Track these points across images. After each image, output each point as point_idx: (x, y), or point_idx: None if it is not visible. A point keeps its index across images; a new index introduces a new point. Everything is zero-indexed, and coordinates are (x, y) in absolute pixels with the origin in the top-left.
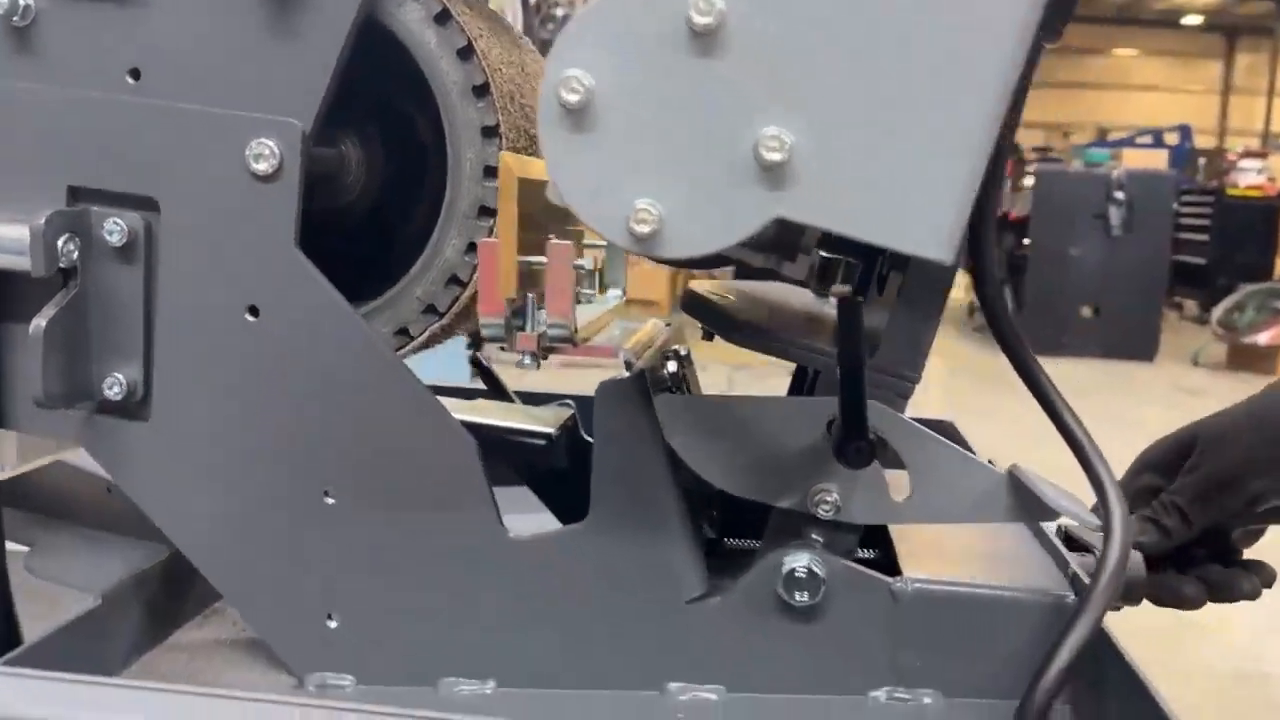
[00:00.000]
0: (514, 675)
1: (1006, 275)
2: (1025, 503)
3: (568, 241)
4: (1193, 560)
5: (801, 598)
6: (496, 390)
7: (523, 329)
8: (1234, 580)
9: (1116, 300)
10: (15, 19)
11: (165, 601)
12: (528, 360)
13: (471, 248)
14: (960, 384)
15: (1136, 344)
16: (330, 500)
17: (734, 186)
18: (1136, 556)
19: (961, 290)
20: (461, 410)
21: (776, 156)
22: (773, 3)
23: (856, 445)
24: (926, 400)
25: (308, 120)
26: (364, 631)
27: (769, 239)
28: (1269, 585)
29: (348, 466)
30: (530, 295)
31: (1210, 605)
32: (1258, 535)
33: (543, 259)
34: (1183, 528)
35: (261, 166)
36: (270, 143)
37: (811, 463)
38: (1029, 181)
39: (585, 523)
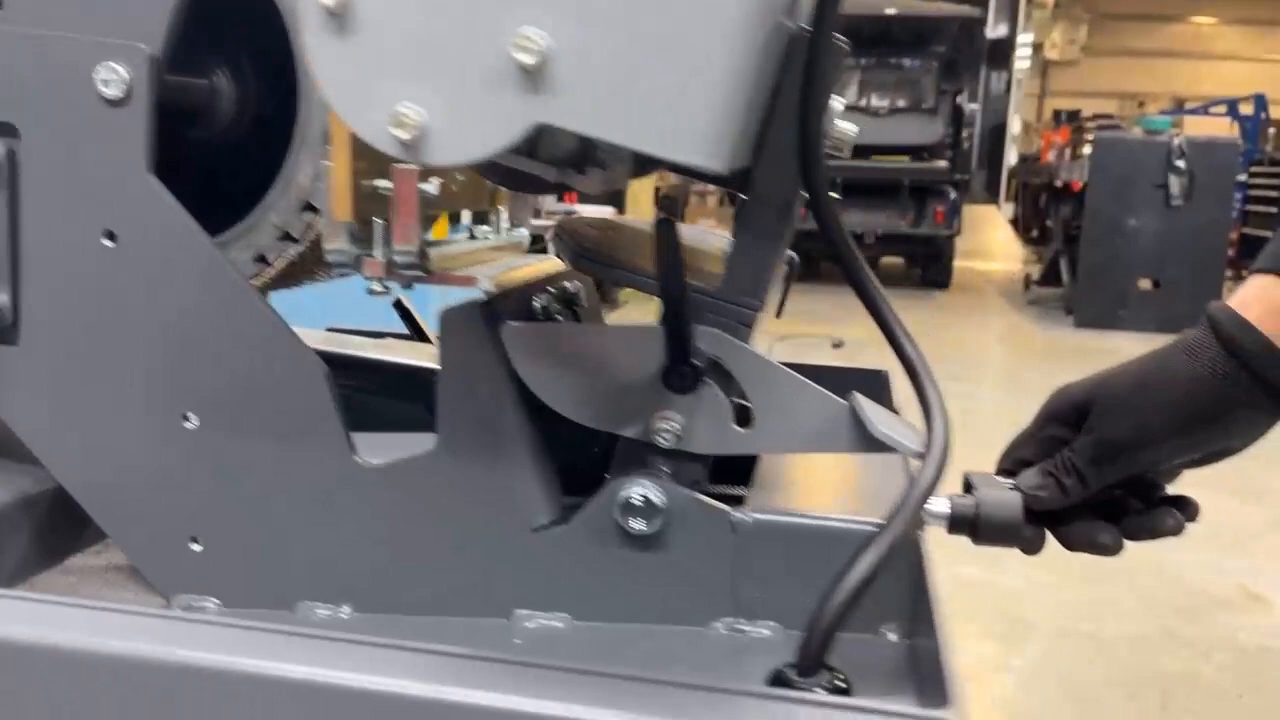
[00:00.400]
0: (368, 600)
1: (1064, 246)
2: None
3: (411, 166)
4: (1112, 501)
5: (638, 526)
6: (415, 331)
7: (370, 255)
8: (1155, 519)
9: (1176, 273)
10: None
11: (57, 527)
12: (378, 286)
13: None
14: (1009, 357)
15: (1197, 319)
16: (190, 424)
17: (494, 91)
18: (1012, 498)
19: (1019, 263)
20: (367, 348)
21: (530, 59)
22: None
23: (679, 370)
24: (979, 375)
25: (156, 45)
26: (226, 555)
27: (563, 151)
28: (1193, 519)
29: (205, 391)
30: (379, 221)
31: (1244, 583)
32: (1179, 470)
33: (389, 183)
34: (1079, 488)
35: (110, 91)
36: (118, 67)
37: (654, 391)
38: (1087, 150)
39: (432, 450)
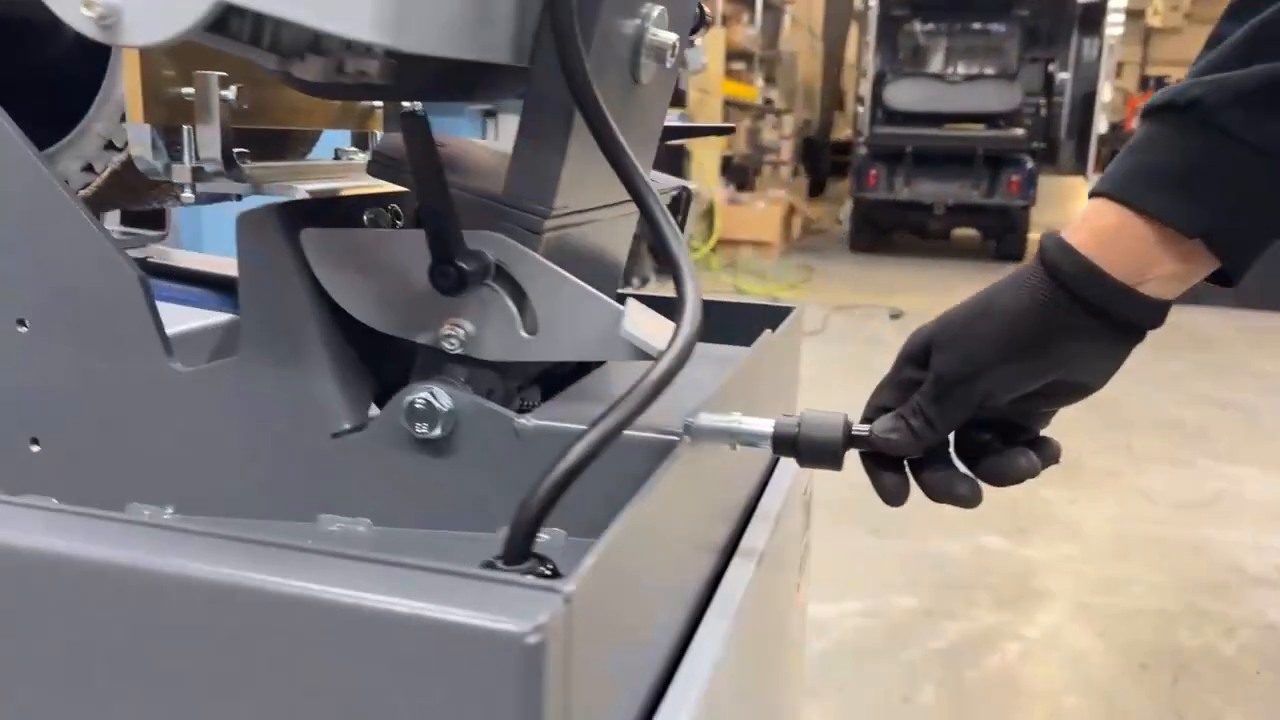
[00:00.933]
0: (188, 502)
1: None
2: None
3: (214, 71)
4: (973, 443)
5: (422, 429)
6: None
7: (180, 160)
8: (1006, 460)
9: None
10: None
11: None
12: (188, 194)
13: None
14: None
15: (1269, 291)
16: (23, 329)
17: None
18: (834, 419)
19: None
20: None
21: None
22: None
23: (442, 270)
24: None
25: None
26: (62, 456)
27: (284, 38)
28: (1053, 462)
29: (34, 299)
30: (186, 129)
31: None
32: (1051, 414)
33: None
34: (928, 430)
35: None
36: None
37: (445, 298)
38: None
39: (237, 355)
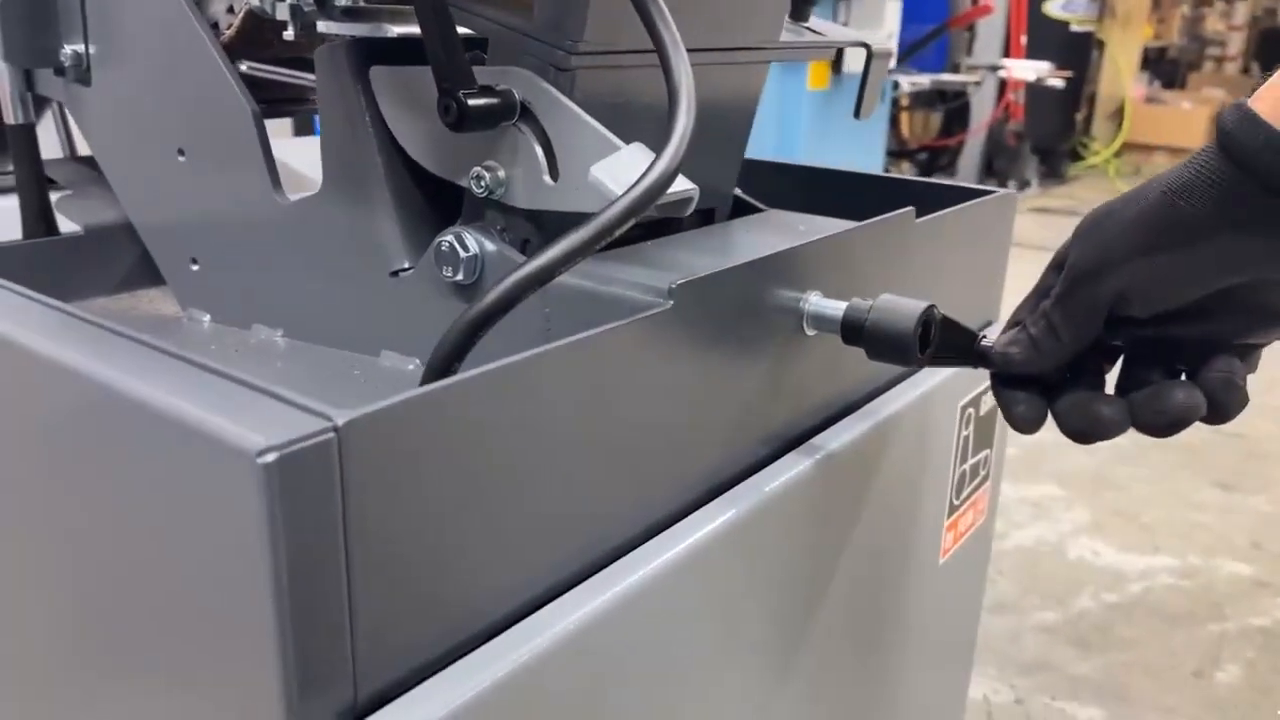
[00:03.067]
0: (294, 328)
1: None
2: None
3: None
4: (1135, 382)
5: (449, 274)
6: None
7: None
8: (1164, 394)
9: None
10: None
11: None
12: (289, 33)
13: None
14: None
15: None
16: (182, 159)
17: None
18: (911, 306)
19: None
20: None
21: None
22: None
23: (444, 104)
24: None
25: None
26: (212, 276)
27: None
28: (1230, 408)
29: (189, 131)
30: None
31: None
32: (1238, 355)
33: None
34: (1050, 339)
35: None
36: None
37: (484, 139)
38: None
39: (318, 191)
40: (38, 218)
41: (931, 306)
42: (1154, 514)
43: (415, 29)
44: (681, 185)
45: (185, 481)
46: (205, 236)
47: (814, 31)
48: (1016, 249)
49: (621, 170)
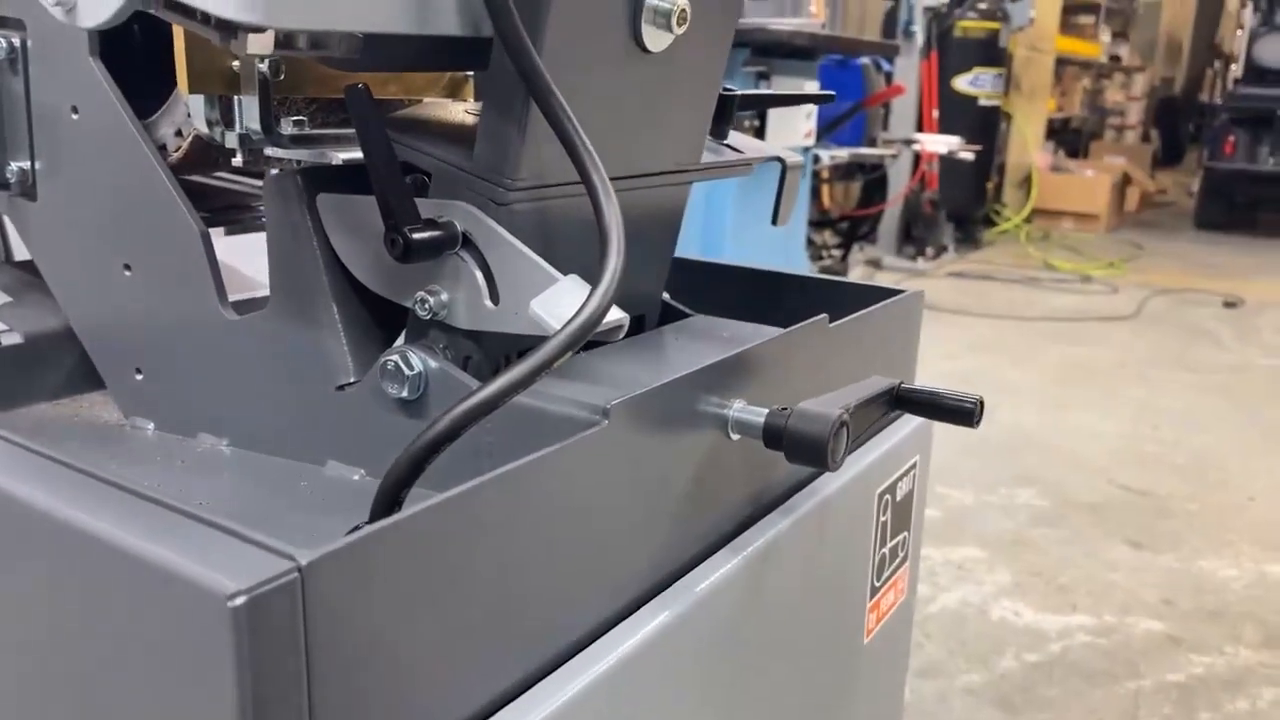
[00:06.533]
0: (240, 437)
1: None
2: None
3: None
4: None
5: (394, 390)
6: None
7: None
8: None
9: None
10: None
11: None
12: (237, 159)
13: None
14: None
15: None
16: (128, 274)
17: None
18: (827, 414)
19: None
20: None
21: None
22: None
23: (390, 238)
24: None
25: None
26: (155, 386)
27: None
28: None
29: (135, 246)
30: (237, 98)
31: None
32: None
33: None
34: None
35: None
36: None
37: (427, 265)
38: None
39: (266, 308)
40: None
41: (844, 413)
42: (1070, 574)
43: (359, 154)
44: (614, 315)
45: (150, 620)
46: (151, 348)
47: (733, 148)
48: (935, 313)
49: (559, 304)
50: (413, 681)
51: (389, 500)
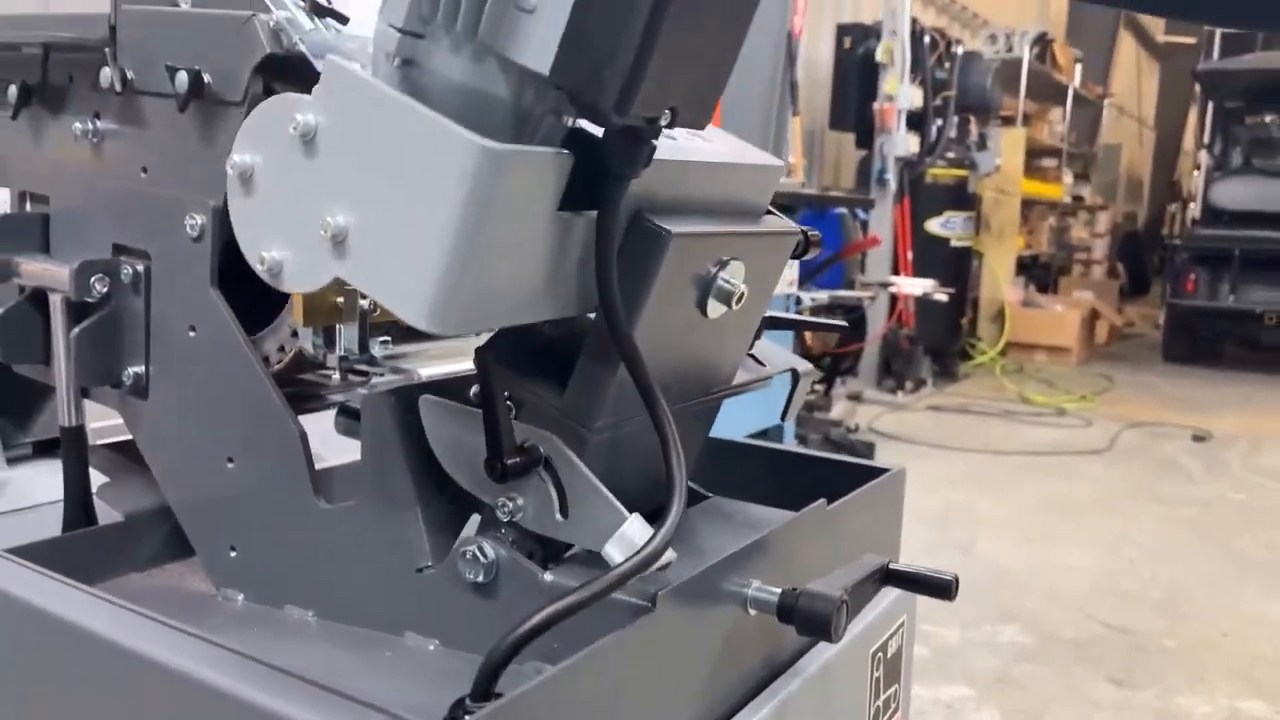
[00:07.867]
0: (325, 609)
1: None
2: None
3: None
4: None
5: (469, 574)
6: None
7: (332, 350)
8: None
9: None
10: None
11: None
12: (336, 376)
13: None
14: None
15: None
16: (230, 465)
17: (313, 250)
18: (830, 595)
19: None
20: None
21: (329, 233)
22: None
23: (491, 464)
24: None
25: (219, 198)
26: (249, 563)
27: None
28: None
29: (238, 443)
30: (340, 327)
31: None
32: None
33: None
34: None
35: (192, 231)
36: (197, 215)
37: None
38: None
39: (356, 500)
40: (79, 508)
41: (844, 594)
42: (1056, 712)
43: (438, 369)
44: (669, 555)
45: None
46: (247, 530)
47: (756, 359)
48: (913, 446)
49: (627, 546)
50: None
51: (489, 679)
